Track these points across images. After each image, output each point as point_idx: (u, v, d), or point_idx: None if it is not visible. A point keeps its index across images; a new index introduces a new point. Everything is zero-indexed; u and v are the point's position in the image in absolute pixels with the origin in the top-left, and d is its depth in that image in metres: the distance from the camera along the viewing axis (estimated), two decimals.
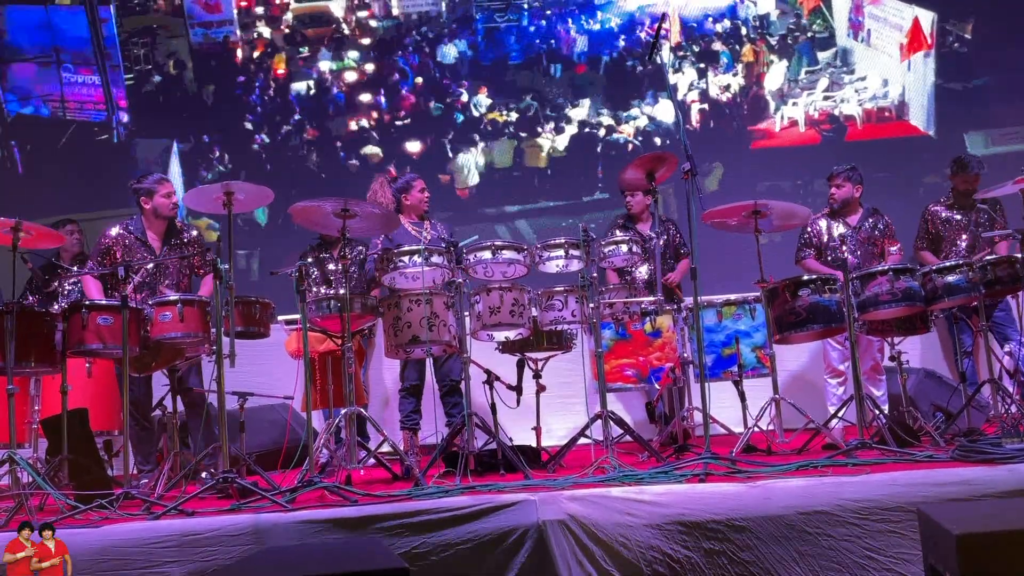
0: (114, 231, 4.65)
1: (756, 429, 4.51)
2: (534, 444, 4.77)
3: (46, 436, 4.33)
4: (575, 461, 4.33)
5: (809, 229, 5.42)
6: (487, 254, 4.33)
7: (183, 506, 3.51)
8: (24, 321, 3.90)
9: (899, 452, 3.99)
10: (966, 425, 4.65)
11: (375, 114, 7.26)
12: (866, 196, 5.47)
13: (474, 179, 7.18)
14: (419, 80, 7.26)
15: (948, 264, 4.66)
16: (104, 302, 4.10)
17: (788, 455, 4.31)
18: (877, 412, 4.55)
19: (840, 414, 4.75)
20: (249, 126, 7.23)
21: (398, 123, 7.22)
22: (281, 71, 7.30)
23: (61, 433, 3.95)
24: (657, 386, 5.00)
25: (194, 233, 4.86)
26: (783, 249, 5.75)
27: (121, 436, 4.95)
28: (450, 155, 7.21)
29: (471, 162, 7.18)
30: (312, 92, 7.25)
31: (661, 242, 5.28)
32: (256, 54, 7.30)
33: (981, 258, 4.74)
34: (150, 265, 4.57)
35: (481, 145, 7.20)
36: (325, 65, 7.31)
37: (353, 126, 7.24)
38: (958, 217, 5.61)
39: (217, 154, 7.20)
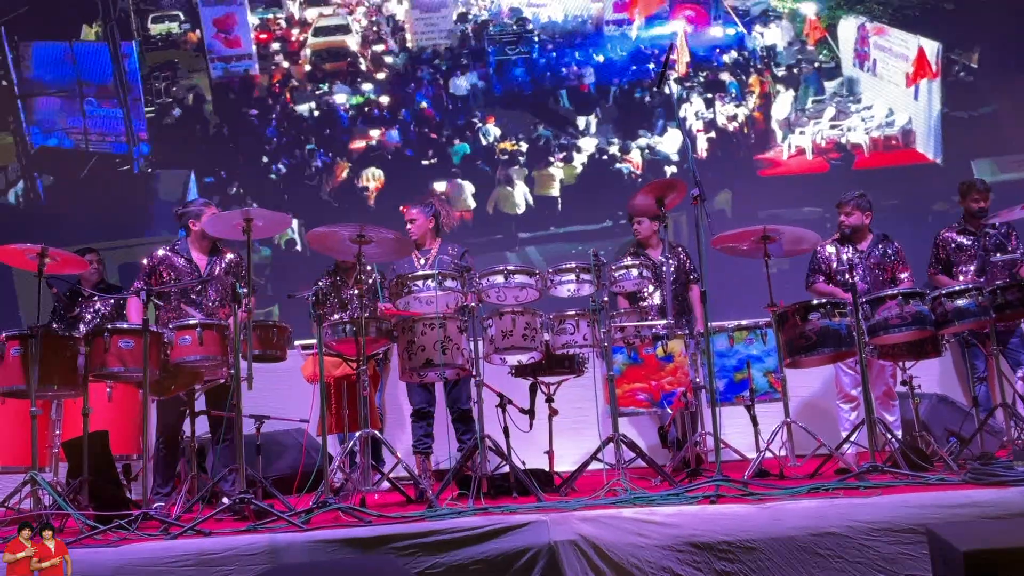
0: (160, 252, 4.82)
1: (768, 454, 4.52)
2: (546, 468, 4.79)
3: (67, 458, 4.39)
4: (587, 485, 4.35)
5: (818, 255, 5.46)
6: (500, 278, 4.40)
7: (200, 526, 3.56)
8: (48, 345, 3.99)
9: (911, 475, 3.99)
10: (979, 450, 4.65)
11: (390, 144, 7.42)
12: (875, 224, 5.52)
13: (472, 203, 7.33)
14: (423, 104, 7.42)
15: (958, 288, 4.68)
16: (125, 326, 4.19)
17: (800, 479, 4.31)
18: (889, 436, 4.55)
19: (852, 438, 4.75)
20: (266, 158, 7.39)
21: (424, 163, 7.37)
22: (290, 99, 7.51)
23: (82, 455, 4.01)
24: (669, 410, 5.03)
25: (230, 256, 4.90)
26: (791, 276, 5.80)
27: (139, 460, 5.04)
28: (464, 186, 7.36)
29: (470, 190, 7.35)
30: (317, 114, 7.42)
31: (672, 267, 5.34)
32: (274, 81, 7.50)
33: (992, 282, 4.77)
34: (197, 287, 4.71)
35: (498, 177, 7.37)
36: (342, 98, 7.48)
37: (365, 151, 7.40)
38: (968, 242, 5.64)
39: (235, 187, 7.36)
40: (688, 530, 3.35)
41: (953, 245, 5.66)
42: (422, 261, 5.17)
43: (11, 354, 4.02)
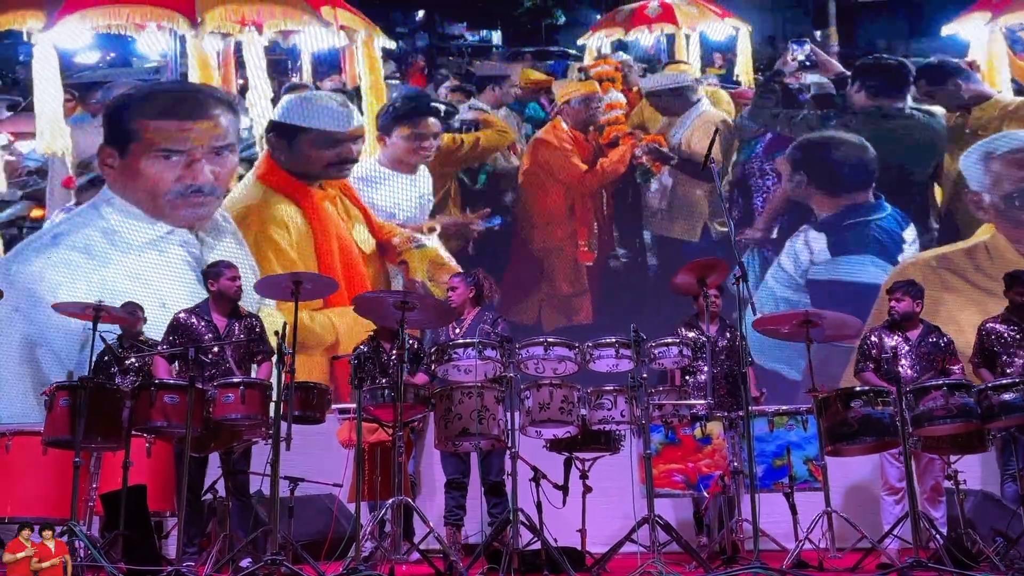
0: (183, 315, 4.95)
1: (807, 544, 4.40)
2: (578, 547, 4.70)
3: (104, 511, 4.42)
4: (620, 567, 4.26)
5: (868, 341, 5.39)
6: (539, 350, 4.41)
7: None
8: (95, 397, 4.07)
9: (956, 573, 3.85)
10: None
11: None
12: None
13: None
14: None
15: (1005, 382, 4.57)
16: (172, 381, 4.27)
17: (840, 571, 4.18)
18: (934, 533, 4.41)
19: (894, 532, 4.61)
20: None
21: None
22: None
23: (119, 507, 4.04)
24: (706, 494, 4.93)
25: (249, 319, 5.01)
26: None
27: (171, 518, 5.06)
28: None
29: None
30: None
31: (724, 345, 5.31)
32: None
33: None
34: (214, 348, 4.77)
35: None
36: None
37: None
38: (1014, 334, 5.51)
39: None
40: None
41: (997, 336, 5.53)
42: (457, 330, 5.26)
43: (60, 404, 4.12)
